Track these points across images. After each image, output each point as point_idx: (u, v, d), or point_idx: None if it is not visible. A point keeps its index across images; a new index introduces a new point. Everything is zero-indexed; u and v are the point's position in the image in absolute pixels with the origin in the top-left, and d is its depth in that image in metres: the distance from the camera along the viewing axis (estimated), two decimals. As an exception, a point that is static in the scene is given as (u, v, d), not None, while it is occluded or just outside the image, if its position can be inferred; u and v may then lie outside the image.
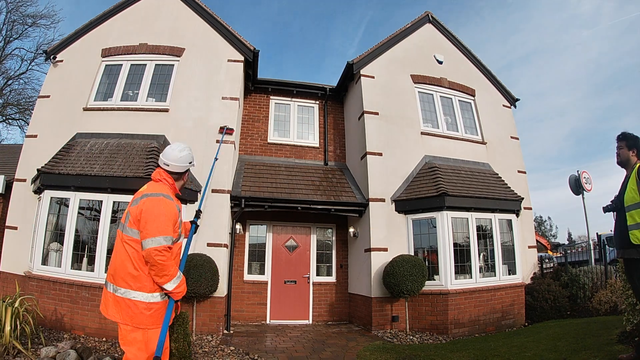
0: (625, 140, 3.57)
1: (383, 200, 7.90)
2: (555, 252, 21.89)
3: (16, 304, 4.55)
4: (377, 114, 8.52)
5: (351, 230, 8.54)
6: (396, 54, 9.30)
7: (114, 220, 6.41)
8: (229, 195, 7.30)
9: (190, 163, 2.89)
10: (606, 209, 3.64)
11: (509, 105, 10.28)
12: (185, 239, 3.08)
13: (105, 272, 6.10)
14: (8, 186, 7.97)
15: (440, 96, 9.35)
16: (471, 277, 7.43)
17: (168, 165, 2.78)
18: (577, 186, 9.98)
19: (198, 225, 3.30)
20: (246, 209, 7.60)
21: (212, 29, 8.39)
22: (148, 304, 2.51)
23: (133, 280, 2.50)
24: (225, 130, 7.48)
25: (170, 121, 7.53)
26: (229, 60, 8.15)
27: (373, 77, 8.84)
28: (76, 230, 6.35)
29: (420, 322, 7.23)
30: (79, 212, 6.43)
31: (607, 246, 11.93)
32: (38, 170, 6.59)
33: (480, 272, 7.55)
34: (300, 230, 8.83)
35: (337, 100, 10.05)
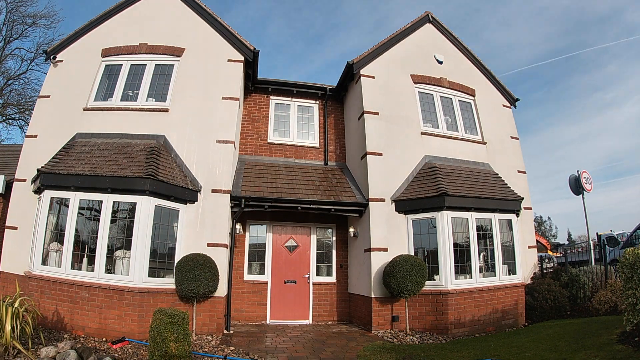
0: None
1: (383, 200, 7.90)
2: (555, 252, 21.86)
3: (16, 304, 4.54)
4: (377, 114, 8.52)
5: (351, 230, 8.54)
6: (396, 54, 9.30)
7: (114, 220, 6.41)
8: (228, 195, 7.30)
9: None
10: None
11: (509, 105, 10.28)
12: None
13: (105, 272, 6.14)
14: (8, 186, 7.96)
15: (440, 96, 9.35)
16: (471, 277, 7.42)
17: None
18: (577, 186, 9.99)
19: None
20: (246, 209, 7.60)
21: (212, 29, 8.39)
22: None
23: None
24: None
25: (170, 121, 7.53)
26: (229, 60, 8.14)
27: (373, 77, 8.84)
28: (76, 230, 6.35)
29: (421, 322, 7.22)
30: (79, 212, 6.43)
31: (607, 246, 11.92)
32: (38, 170, 6.59)
33: (480, 272, 7.55)
34: (300, 230, 8.83)
35: (337, 100, 10.05)
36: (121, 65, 8.04)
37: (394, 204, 7.95)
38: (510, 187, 8.53)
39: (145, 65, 8.03)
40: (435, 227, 7.55)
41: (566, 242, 36.40)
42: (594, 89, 75.77)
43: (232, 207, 7.49)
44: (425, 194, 7.71)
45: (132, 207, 6.42)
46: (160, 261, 6.58)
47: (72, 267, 6.21)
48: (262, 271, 8.42)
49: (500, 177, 8.75)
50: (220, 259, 6.82)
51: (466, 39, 78.46)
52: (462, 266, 7.44)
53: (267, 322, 8.14)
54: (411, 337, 6.73)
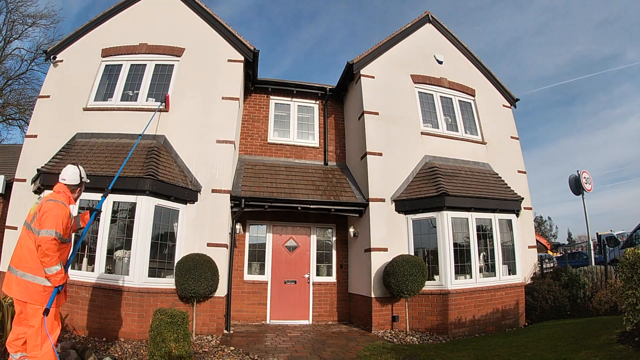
0: None
1: (383, 200, 7.90)
2: (555, 252, 21.86)
3: (16, 304, 4.54)
4: (377, 113, 8.52)
5: (351, 230, 8.54)
6: (396, 54, 9.30)
7: (114, 220, 6.41)
8: (228, 195, 7.30)
9: (81, 180, 3.79)
10: None
11: (509, 105, 10.28)
12: (83, 228, 4.07)
13: (105, 272, 6.14)
14: (8, 186, 7.97)
15: (440, 96, 9.35)
16: (471, 277, 7.43)
17: (65, 180, 3.71)
18: (577, 186, 9.96)
19: (99, 211, 4.20)
20: (246, 209, 7.60)
21: (212, 29, 8.39)
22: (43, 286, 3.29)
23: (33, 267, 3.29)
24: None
25: (170, 121, 7.53)
26: (229, 60, 8.14)
27: (373, 77, 8.84)
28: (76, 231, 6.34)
29: (421, 322, 7.22)
30: (78, 212, 6.41)
31: (607, 246, 11.92)
32: (38, 170, 6.59)
33: (480, 272, 7.55)
34: (300, 230, 8.83)
35: (337, 100, 10.05)
36: (121, 65, 8.04)
37: (394, 204, 7.95)
38: (510, 187, 8.53)
39: (145, 65, 8.03)
40: (435, 227, 7.55)
41: (566, 242, 36.40)
42: (605, 106, 79.36)
43: (232, 207, 7.49)
44: (426, 194, 7.71)
45: (132, 207, 6.42)
46: (160, 261, 6.58)
47: (72, 267, 6.21)
48: (262, 271, 8.42)
49: (500, 177, 8.75)
50: (220, 259, 6.82)
51: (506, 62, 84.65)
52: (462, 266, 7.44)
53: (267, 322, 8.14)
54: (411, 337, 6.73)
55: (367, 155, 8.13)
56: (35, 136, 7.44)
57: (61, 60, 8.08)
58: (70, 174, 3.74)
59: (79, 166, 3.83)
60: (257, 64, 8.66)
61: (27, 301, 3.24)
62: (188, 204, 7.02)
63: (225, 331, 6.90)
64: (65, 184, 3.70)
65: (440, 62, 9.67)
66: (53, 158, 6.87)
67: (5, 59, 19.14)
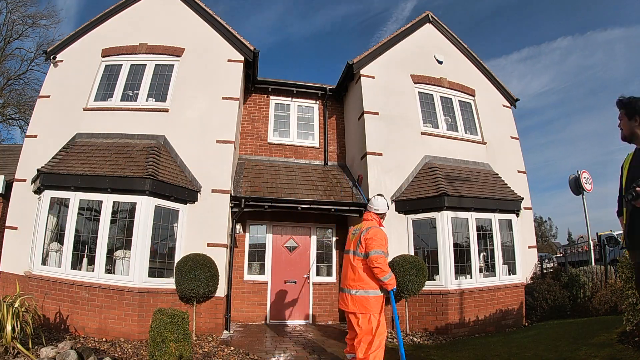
0: (624, 108, 2.55)
1: (383, 200, 7.89)
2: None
3: (16, 304, 4.54)
4: (377, 114, 8.52)
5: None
6: (396, 54, 9.30)
7: (114, 220, 6.41)
8: (228, 195, 7.30)
9: (388, 208, 4.75)
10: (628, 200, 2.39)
11: (509, 105, 10.28)
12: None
13: (105, 273, 6.14)
14: (8, 186, 7.97)
15: (440, 96, 9.34)
16: (471, 277, 7.42)
17: (378, 210, 4.62)
18: (577, 186, 9.97)
19: None
20: (246, 209, 7.59)
21: (212, 29, 8.39)
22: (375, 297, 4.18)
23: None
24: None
25: (170, 121, 7.53)
26: (229, 60, 8.15)
27: (373, 77, 8.84)
28: (76, 230, 6.35)
29: (421, 322, 7.22)
30: (78, 212, 6.42)
31: (607, 246, 11.92)
32: (38, 170, 6.59)
33: (480, 272, 7.55)
34: (300, 231, 8.83)
35: (337, 100, 10.05)
36: (121, 65, 8.04)
37: (394, 204, 7.94)
38: (510, 187, 8.53)
39: (145, 65, 8.03)
40: (435, 227, 7.55)
41: (566, 242, 36.42)
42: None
43: (232, 207, 7.49)
44: (425, 194, 7.71)
45: (132, 207, 6.42)
46: (160, 261, 6.58)
47: (72, 267, 6.21)
48: (262, 271, 8.42)
49: (500, 177, 8.75)
50: (220, 259, 6.82)
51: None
52: (462, 266, 7.44)
53: (267, 322, 8.13)
54: (411, 337, 6.73)
55: (367, 155, 8.13)
56: (35, 136, 7.44)
57: (61, 60, 8.09)
58: (382, 204, 4.67)
59: (385, 197, 4.79)
60: (257, 64, 8.66)
61: (360, 312, 4.14)
62: (188, 204, 7.02)
63: (225, 331, 6.90)
64: (377, 213, 4.62)
65: (440, 62, 9.67)
66: (53, 158, 6.87)
67: (5, 59, 19.16)
